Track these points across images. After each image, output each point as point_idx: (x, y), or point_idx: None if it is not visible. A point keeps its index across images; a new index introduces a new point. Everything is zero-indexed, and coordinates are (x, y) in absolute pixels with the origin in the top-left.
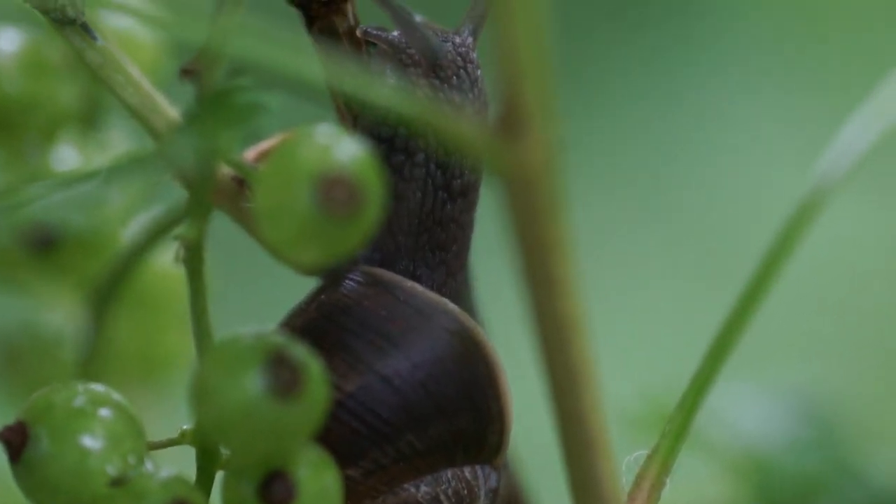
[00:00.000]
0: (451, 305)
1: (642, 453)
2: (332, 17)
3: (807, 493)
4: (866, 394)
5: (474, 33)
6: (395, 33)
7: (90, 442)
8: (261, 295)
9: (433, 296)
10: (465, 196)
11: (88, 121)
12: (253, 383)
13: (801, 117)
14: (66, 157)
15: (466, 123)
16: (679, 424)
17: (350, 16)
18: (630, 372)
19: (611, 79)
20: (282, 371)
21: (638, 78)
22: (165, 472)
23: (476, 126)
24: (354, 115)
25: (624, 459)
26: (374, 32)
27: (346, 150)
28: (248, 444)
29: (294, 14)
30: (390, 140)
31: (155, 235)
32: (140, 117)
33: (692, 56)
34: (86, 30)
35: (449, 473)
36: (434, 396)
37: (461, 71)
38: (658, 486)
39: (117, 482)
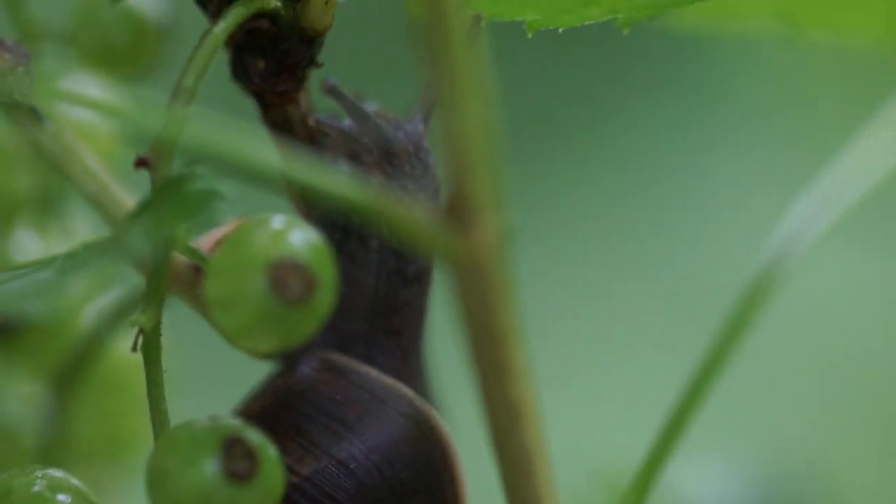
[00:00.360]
0: (406, 389)
1: None
2: (285, 106)
3: None
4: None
5: (425, 120)
6: (348, 122)
7: None
8: (219, 377)
9: (388, 380)
10: (418, 281)
11: (46, 208)
12: (208, 468)
13: (786, 180)
14: (25, 243)
15: (417, 212)
16: None
17: (303, 104)
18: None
19: (598, 142)
20: (237, 455)
21: (624, 141)
22: None
23: (426, 215)
24: (308, 203)
25: None
26: (327, 122)
27: (300, 237)
28: None
29: (248, 103)
30: (344, 227)
31: (113, 320)
32: (97, 205)
33: (678, 120)
34: (35, 115)
35: None
36: (389, 481)
37: (413, 158)
38: None
39: None
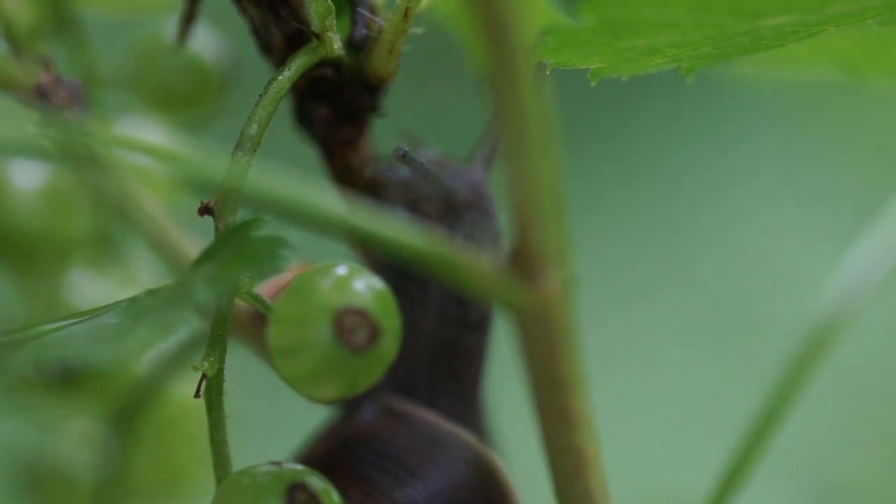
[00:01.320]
0: (467, 435)
1: None
2: (348, 154)
3: None
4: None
5: (486, 165)
6: (406, 172)
7: None
8: (279, 421)
9: (449, 426)
10: (479, 327)
11: (103, 250)
12: None
13: (818, 194)
14: (81, 285)
15: (480, 262)
16: None
17: (365, 152)
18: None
19: (625, 152)
20: (301, 501)
21: (655, 151)
22: None
23: (490, 265)
24: (369, 249)
25: None
26: (386, 172)
27: (363, 284)
28: None
29: (309, 152)
30: (404, 273)
31: (173, 363)
32: (157, 249)
33: (709, 131)
34: (93, 157)
35: None
36: None
37: (474, 207)
38: None
39: None
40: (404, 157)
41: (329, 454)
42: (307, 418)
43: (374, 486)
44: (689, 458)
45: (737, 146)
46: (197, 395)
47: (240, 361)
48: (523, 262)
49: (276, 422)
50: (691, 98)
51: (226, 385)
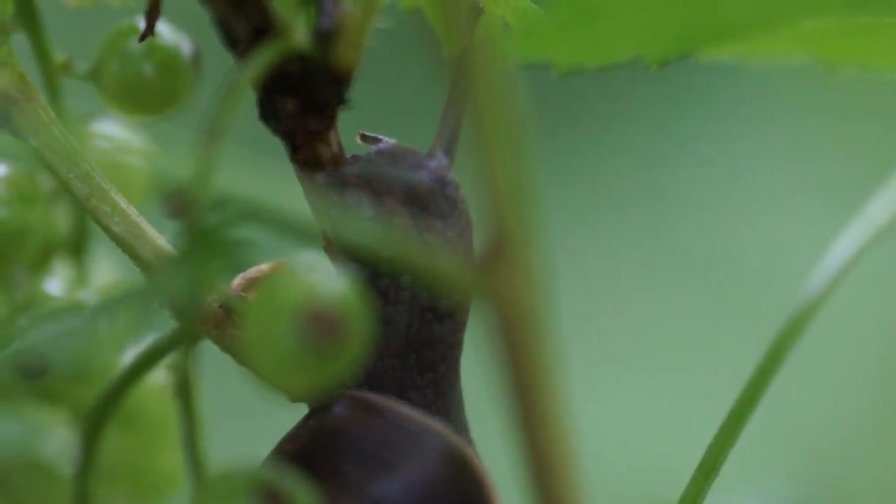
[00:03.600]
0: (441, 426)
1: None
2: (315, 146)
3: None
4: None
5: (449, 152)
6: (369, 166)
7: None
8: (254, 417)
9: (422, 417)
10: (452, 317)
11: (77, 249)
12: None
13: (821, 175)
14: (56, 286)
15: (446, 258)
16: None
17: (334, 144)
18: (622, 482)
19: (632, 132)
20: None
21: (658, 133)
22: None
23: (456, 259)
24: (337, 244)
25: None
26: (347, 169)
27: (331, 283)
28: None
29: (276, 142)
30: (373, 265)
31: (148, 362)
32: (126, 247)
33: (712, 113)
34: (61, 154)
35: None
36: None
37: (439, 196)
38: None
39: None
40: (366, 139)
41: (302, 451)
42: (282, 416)
43: (347, 480)
44: (687, 437)
45: (728, 122)
46: (171, 393)
47: (215, 360)
48: (493, 253)
49: (251, 419)
50: (700, 86)
51: (200, 384)
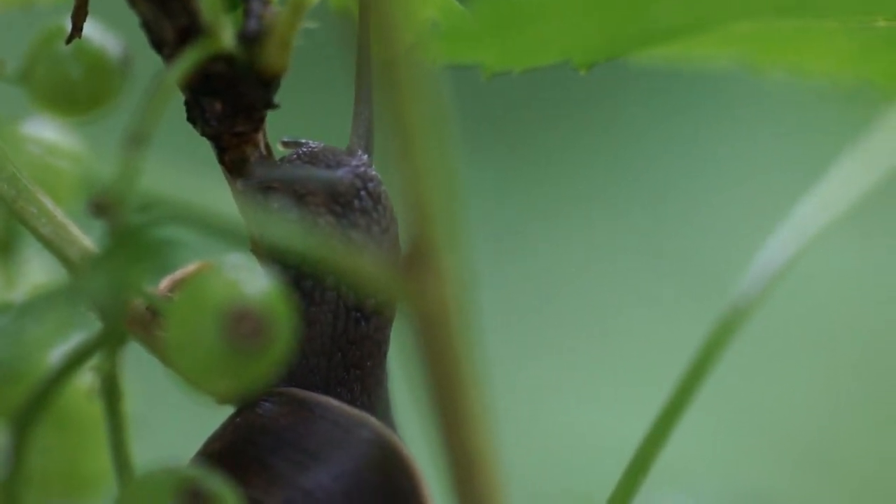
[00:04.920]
0: (369, 417)
1: None
2: (243, 148)
3: None
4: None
5: (367, 148)
6: (287, 169)
7: None
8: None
9: (350, 409)
10: (379, 314)
11: (4, 250)
12: None
13: (795, 164)
14: None
15: (368, 262)
16: None
17: (262, 145)
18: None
19: (596, 126)
20: None
21: (622, 126)
22: None
23: (378, 264)
24: (262, 246)
25: None
26: (267, 172)
27: (255, 283)
28: None
29: (203, 145)
30: (298, 266)
31: (74, 363)
32: (53, 248)
33: (679, 103)
34: None
35: None
36: None
37: (361, 192)
38: None
39: None
40: (287, 145)
41: (228, 447)
42: (209, 417)
43: (276, 473)
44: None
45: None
46: (95, 395)
47: (140, 361)
48: (416, 257)
49: (178, 421)
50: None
51: (126, 385)
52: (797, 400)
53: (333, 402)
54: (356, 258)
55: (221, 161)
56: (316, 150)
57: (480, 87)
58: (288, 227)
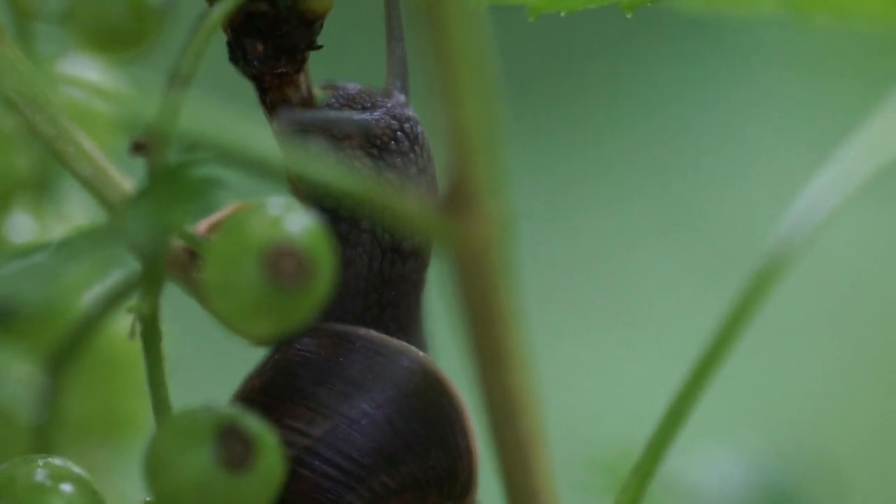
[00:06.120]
0: (409, 346)
1: None
2: (284, 89)
3: None
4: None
5: (404, 88)
6: (323, 112)
7: None
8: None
9: (389, 338)
10: (416, 255)
11: (42, 191)
12: (204, 457)
13: (819, 130)
14: (19, 226)
15: (408, 202)
16: (633, 492)
17: (303, 87)
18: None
19: (620, 93)
20: (233, 444)
21: (644, 94)
22: None
23: (418, 204)
24: (301, 186)
25: None
26: (302, 117)
27: (296, 222)
28: None
29: (245, 86)
30: (334, 208)
31: (110, 303)
32: (92, 189)
33: (708, 70)
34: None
35: None
36: (403, 434)
37: (398, 133)
38: None
39: None
40: (326, 87)
41: (269, 383)
42: (248, 358)
43: (318, 404)
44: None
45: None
46: (132, 336)
47: (179, 302)
48: (456, 198)
49: (218, 362)
50: (693, 44)
51: (165, 326)
52: (822, 365)
53: (373, 332)
54: (394, 198)
55: (263, 102)
56: (352, 92)
57: (513, 55)
58: (325, 168)
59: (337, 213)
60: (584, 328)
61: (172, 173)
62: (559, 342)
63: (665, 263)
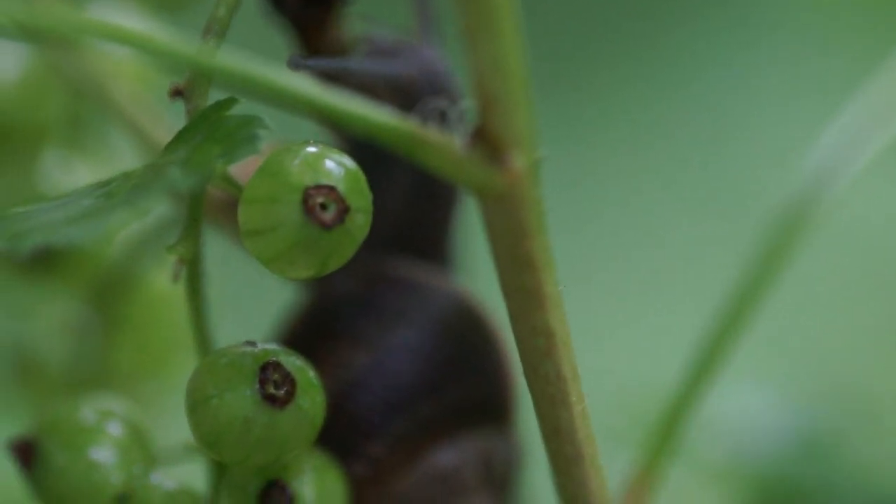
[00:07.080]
0: (447, 278)
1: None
2: (319, 36)
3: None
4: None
5: (432, 35)
6: (353, 62)
7: (97, 456)
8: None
9: (425, 273)
10: (447, 197)
11: (77, 133)
12: (245, 394)
13: (830, 87)
14: (55, 168)
15: (444, 144)
16: (661, 436)
17: (337, 35)
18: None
19: (645, 59)
20: (274, 381)
21: (668, 59)
22: (171, 483)
23: (453, 146)
24: (336, 128)
25: (614, 468)
26: (332, 64)
27: (333, 162)
28: (244, 454)
29: (277, 41)
30: (374, 150)
31: (150, 244)
32: (132, 133)
33: (719, 31)
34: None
35: (467, 443)
36: (443, 363)
37: (429, 87)
38: (644, 495)
39: (124, 497)
40: (359, 39)
41: (310, 318)
42: (288, 299)
43: (360, 336)
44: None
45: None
46: (174, 279)
47: (220, 245)
48: (487, 142)
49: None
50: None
51: (206, 268)
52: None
53: (410, 268)
54: (432, 139)
55: (298, 48)
56: (387, 44)
57: (539, 31)
58: (360, 108)
59: (377, 153)
60: (613, 284)
61: (212, 117)
62: (591, 301)
63: (692, 222)
